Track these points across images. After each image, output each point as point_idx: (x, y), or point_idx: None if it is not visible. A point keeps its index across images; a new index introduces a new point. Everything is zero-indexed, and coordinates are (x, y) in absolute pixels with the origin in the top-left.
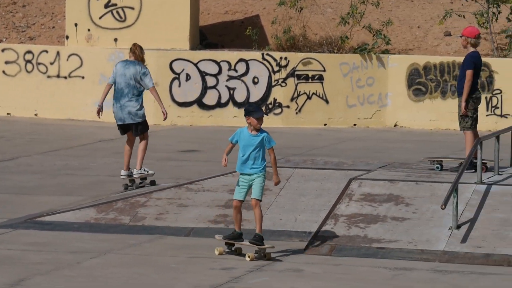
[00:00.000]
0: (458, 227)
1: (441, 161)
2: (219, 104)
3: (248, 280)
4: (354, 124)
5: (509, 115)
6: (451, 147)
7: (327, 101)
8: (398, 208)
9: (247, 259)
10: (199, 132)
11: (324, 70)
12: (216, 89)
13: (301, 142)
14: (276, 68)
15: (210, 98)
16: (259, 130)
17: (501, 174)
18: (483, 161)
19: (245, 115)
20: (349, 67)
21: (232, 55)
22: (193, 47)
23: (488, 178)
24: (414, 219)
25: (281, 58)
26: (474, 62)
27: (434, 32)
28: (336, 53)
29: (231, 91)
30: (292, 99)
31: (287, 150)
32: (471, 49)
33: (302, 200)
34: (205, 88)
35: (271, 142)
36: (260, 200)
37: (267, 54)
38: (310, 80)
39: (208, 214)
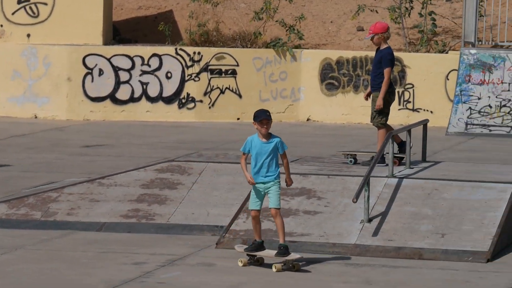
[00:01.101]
0: (370, 220)
1: (355, 155)
2: (132, 99)
3: (159, 274)
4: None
5: (421, 109)
6: (364, 141)
7: (240, 96)
8: (310, 202)
9: (274, 270)
10: (112, 127)
11: (238, 65)
12: (129, 84)
13: (214, 136)
14: (189, 63)
15: (123, 93)
16: (270, 136)
17: (412, 168)
18: (395, 155)
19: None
20: (262, 62)
21: (145, 50)
22: (106, 42)
23: (399, 171)
24: (326, 213)
25: (194, 53)
26: (391, 60)
27: (347, 27)
28: (250, 48)
29: (144, 86)
30: (205, 94)
31: (200, 144)
32: (385, 45)
33: (214, 195)
34: (118, 83)
35: (284, 146)
36: (279, 208)
37: (181, 49)
38: (223, 75)
39: (120, 209)
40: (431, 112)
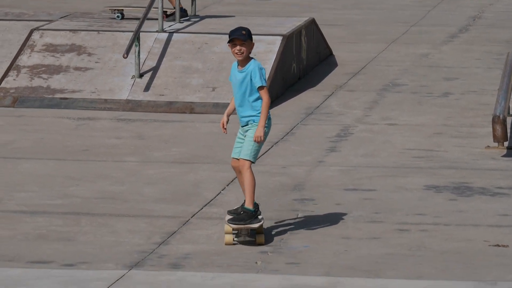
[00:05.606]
0: (141, 75)
1: (122, 10)
2: None
3: None
4: None
5: None
6: None
7: None
8: (81, 58)
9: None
10: None
11: None
12: None
13: None
14: None
15: None
16: (248, 63)
17: (182, 22)
18: (164, 10)
19: None
20: None
21: None
22: None
23: (169, 26)
24: (97, 69)
25: None
26: None
27: None
28: None
29: None
30: None
31: None
32: None
33: None
34: None
35: (258, 79)
36: (251, 161)
37: None
38: None
39: None
40: None
